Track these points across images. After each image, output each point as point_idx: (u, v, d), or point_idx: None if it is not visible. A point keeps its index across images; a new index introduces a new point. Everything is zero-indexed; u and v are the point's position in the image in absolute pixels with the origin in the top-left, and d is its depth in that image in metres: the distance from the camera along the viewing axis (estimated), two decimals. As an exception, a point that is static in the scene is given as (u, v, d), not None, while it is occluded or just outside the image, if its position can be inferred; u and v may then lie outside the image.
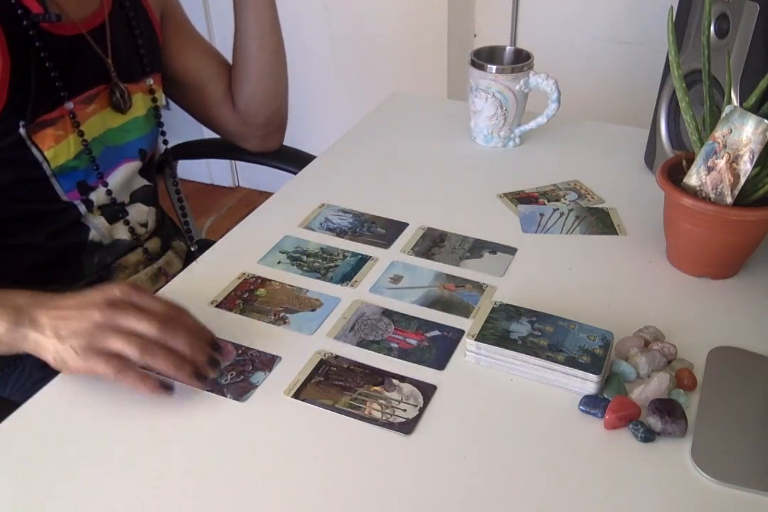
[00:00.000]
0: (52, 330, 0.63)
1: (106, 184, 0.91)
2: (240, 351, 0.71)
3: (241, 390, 0.66)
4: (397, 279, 0.80)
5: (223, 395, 0.66)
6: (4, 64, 0.76)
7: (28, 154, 0.81)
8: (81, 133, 0.85)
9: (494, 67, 1.00)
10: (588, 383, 0.64)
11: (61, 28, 0.82)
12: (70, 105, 0.83)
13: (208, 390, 0.66)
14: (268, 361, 0.69)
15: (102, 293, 0.65)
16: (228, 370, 0.68)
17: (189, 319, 0.68)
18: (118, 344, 0.62)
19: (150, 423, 0.63)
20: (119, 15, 0.90)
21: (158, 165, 1.10)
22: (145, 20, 0.95)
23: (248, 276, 0.81)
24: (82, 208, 0.90)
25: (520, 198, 0.95)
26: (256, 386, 0.66)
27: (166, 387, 0.64)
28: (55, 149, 0.83)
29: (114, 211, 0.94)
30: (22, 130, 0.79)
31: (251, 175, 2.48)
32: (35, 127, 0.80)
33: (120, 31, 0.90)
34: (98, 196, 0.91)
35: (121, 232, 0.96)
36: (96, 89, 0.87)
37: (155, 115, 0.97)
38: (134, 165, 0.96)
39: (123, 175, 0.94)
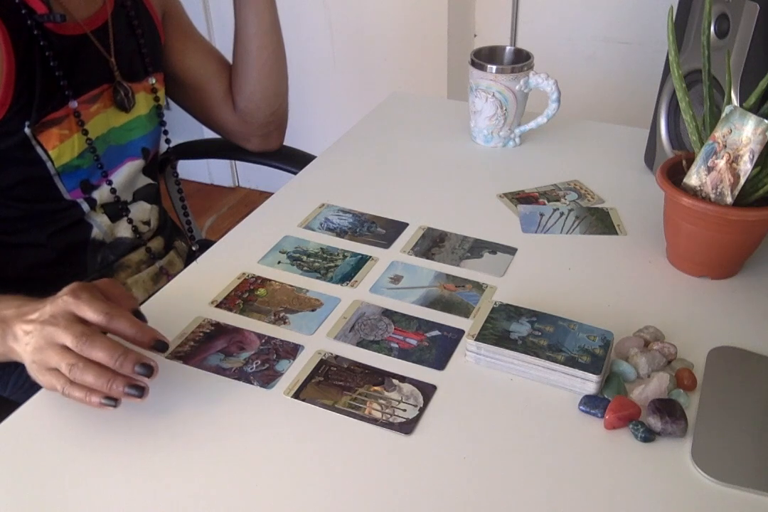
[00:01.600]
0: (23, 346, 0.61)
1: (110, 183, 0.91)
2: (263, 341, 0.71)
3: (267, 378, 0.67)
4: (397, 279, 0.80)
5: (250, 383, 0.67)
6: (10, 65, 0.76)
7: (33, 153, 0.81)
8: (85, 132, 0.85)
9: (494, 67, 1.00)
10: (588, 383, 0.64)
11: (64, 28, 0.82)
12: (74, 104, 0.83)
13: (234, 379, 0.67)
14: (291, 350, 0.70)
15: (51, 304, 0.62)
16: (253, 359, 0.69)
17: (123, 324, 0.62)
18: (54, 361, 0.59)
19: (151, 424, 0.63)
20: (121, 14, 0.91)
21: (160, 164, 1.10)
22: (147, 20, 0.95)
23: (248, 276, 0.81)
24: (85, 207, 0.90)
25: (520, 198, 0.95)
26: (282, 373, 0.68)
27: (111, 401, 0.60)
28: (60, 148, 0.83)
29: (117, 210, 0.94)
30: (27, 130, 0.79)
31: (251, 175, 2.48)
32: (40, 127, 0.80)
33: (122, 31, 0.90)
34: (101, 195, 0.91)
35: (123, 230, 0.96)
36: (99, 88, 0.88)
37: (158, 114, 0.97)
38: (137, 163, 0.96)
39: (126, 174, 0.94)
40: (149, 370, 0.60)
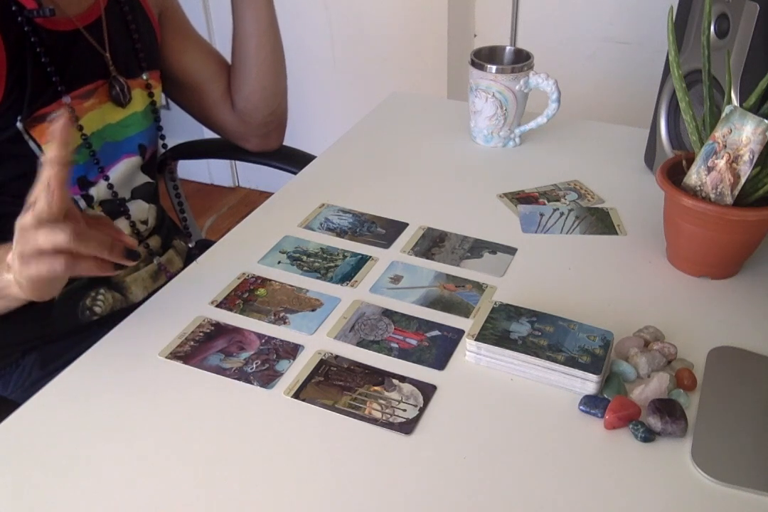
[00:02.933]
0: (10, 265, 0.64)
1: (107, 178, 0.91)
2: (263, 341, 0.71)
3: (267, 378, 0.67)
4: (397, 279, 0.80)
5: (250, 383, 0.67)
6: (1, 60, 0.77)
7: (26, 148, 0.81)
8: (80, 128, 0.85)
9: (494, 67, 1.00)
10: (588, 383, 0.64)
11: (56, 24, 0.82)
12: (67, 99, 0.83)
13: (235, 379, 0.67)
14: (291, 350, 0.70)
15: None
16: (253, 359, 0.69)
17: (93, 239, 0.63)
18: (47, 240, 0.60)
19: (151, 424, 0.63)
20: (115, 10, 0.91)
21: (159, 163, 1.10)
22: (142, 17, 0.95)
23: (248, 276, 0.81)
24: (82, 203, 0.90)
25: (520, 198, 0.95)
26: (282, 373, 0.68)
27: (132, 255, 0.64)
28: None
29: (115, 207, 0.94)
30: (19, 125, 0.80)
31: (251, 175, 2.48)
32: (32, 121, 0.81)
33: (116, 27, 0.90)
34: (99, 191, 0.91)
35: (122, 229, 0.96)
36: (95, 84, 0.88)
37: (153, 111, 0.97)
38: (135, 160, 0.96)
39: (124, 170, 0.94)
40: (136, 256, 0.65)
